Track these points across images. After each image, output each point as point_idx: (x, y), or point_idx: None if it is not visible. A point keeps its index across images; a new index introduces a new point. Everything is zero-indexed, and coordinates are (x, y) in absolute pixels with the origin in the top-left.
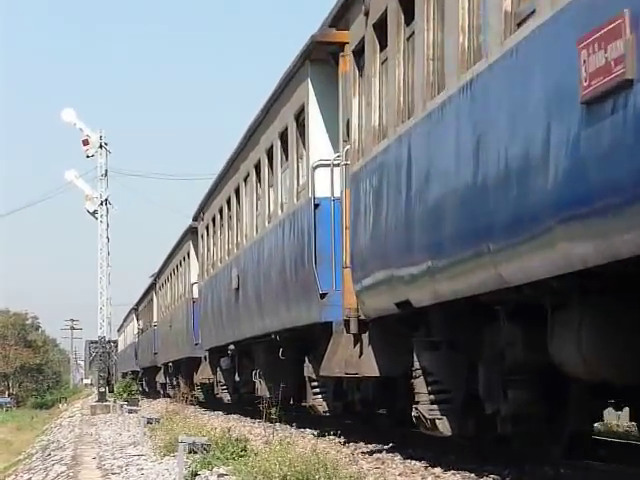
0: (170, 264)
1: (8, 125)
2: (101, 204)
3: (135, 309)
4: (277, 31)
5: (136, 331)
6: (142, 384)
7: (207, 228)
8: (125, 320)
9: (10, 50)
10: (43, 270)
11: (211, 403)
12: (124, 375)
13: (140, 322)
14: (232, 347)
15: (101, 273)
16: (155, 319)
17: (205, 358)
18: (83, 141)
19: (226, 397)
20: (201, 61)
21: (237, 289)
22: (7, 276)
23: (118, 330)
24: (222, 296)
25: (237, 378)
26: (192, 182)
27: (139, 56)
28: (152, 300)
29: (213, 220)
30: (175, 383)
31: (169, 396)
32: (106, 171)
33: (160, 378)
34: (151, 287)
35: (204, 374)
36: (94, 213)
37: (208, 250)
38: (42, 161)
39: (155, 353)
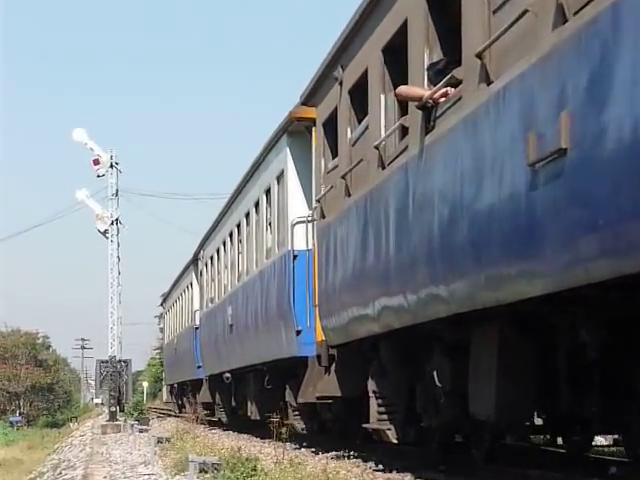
0: (176, 290)
1: (19, 145)
2: (112, 224)
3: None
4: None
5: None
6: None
7: (207, 265)
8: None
9: (21, 69)
10: (54, 289)
11: (221, 423)
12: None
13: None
14: (228, 374)
15: (112, 292)
16: (165, 341)
17: (205, 381)
18: (94, 161)
19: (224, 418)
20: (214, 83)
21: (230, 324)
22: (17, 295)
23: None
24: (219, 329)
25: (233, 402)
26: (203, 202)
27: (150, 77)
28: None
29: (211, 258)
30: (180, 403)
31: (175, 415)
32: (117, 191)
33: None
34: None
35: (204, 397)
36: (105, 233)
37: (207, 285)
38: (53, 181)
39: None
